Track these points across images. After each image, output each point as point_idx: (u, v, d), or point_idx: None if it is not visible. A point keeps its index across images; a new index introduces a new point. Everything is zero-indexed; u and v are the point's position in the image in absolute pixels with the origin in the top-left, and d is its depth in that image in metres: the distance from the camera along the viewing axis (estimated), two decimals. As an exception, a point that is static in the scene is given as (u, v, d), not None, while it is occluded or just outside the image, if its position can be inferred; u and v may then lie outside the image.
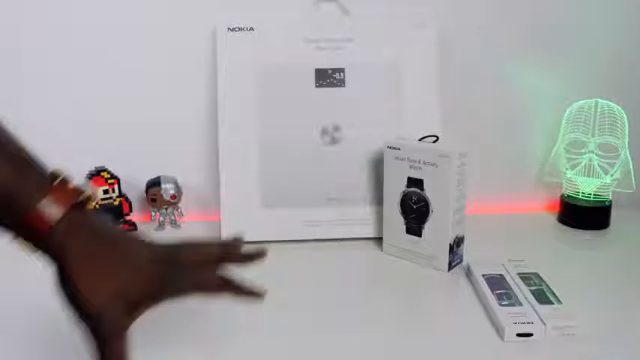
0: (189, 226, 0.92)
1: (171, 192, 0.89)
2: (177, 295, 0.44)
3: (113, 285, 0.40)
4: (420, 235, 0.76)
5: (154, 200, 0.90)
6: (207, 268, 0.46)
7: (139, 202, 0.92)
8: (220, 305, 0.67)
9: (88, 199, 0.42)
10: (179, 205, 0.92)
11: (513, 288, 0.66)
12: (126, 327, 0.41)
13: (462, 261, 0.77)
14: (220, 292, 0.46)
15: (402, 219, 0.78)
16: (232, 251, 0.47)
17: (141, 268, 0.42)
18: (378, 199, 0.83)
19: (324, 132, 0.85)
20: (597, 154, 0.88)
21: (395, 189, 0.78)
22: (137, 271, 0.42)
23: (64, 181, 0.41)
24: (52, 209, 0.40)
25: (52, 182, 0.41)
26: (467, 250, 0.77)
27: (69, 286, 0.40)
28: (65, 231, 0.40)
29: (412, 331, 0.60)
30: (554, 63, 0.94)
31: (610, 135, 0.87)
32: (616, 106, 0.88)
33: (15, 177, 0.40)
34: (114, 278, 0.41)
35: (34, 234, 0.40)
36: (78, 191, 0.41)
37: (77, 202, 0.41)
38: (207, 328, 0.62)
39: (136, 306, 0.41)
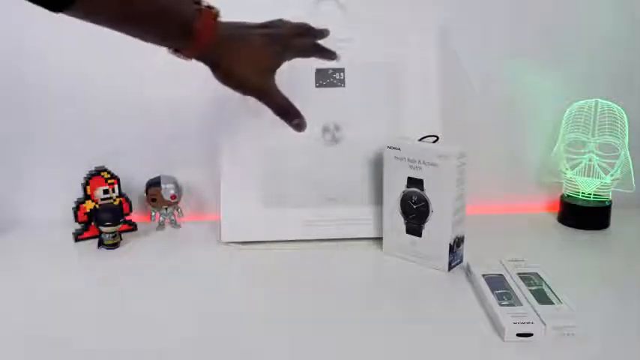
0: (189, 226, 0.92)
1: (172, 192, 0.89)
2: (289, 58, 0.66)
3: (254, 69, 0.62)
4: (420, 235, 0.76)
5: (154, 200, 0.90)
6: (302, 38, 0.68)
7: (139, 202, 0.92)
8: (221, 306, 0.67)
9: (219, 14, 0.60)
10: (179, 205, 0.92)
11: (513, 288, 0.66)
12: (274, 87, 0.64)
13: (462, 261, 0.77)
14: (312, 53, 0.70)
15: (402, 219, 0.78)
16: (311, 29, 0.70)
17: (264, 54, 0.63)
18: (378, 199, 0.83)
19: (324, 132, 0.85)
20: (597, 154, 0.88)
21: (395, 189, 0.78)
22: (263, 55, 0.63)
23: (204, 6, 0.59)
24: (204, 30, 0.57)
25: (199, 7, 0.58)
26: (467, 250, 0.77)
27: (227, 77, 0.61)
28: (214, 44, 0.58)
29: (412, 331, 0.60)
30: (555, 63, 0.94)
31: (610, 135, 0.87)
32: (616, 106, 0.88)
33: (175, 5, 0.56)
34: (254, 64, 0.61)
35: (193, 46, 0.58)
36: (213, 9, 0.59)
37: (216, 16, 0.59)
38: (209, 327, 0.62)
39: (271, 74, 0.63)
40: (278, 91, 0.63)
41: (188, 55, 0.59)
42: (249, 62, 0.61)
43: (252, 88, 0.62)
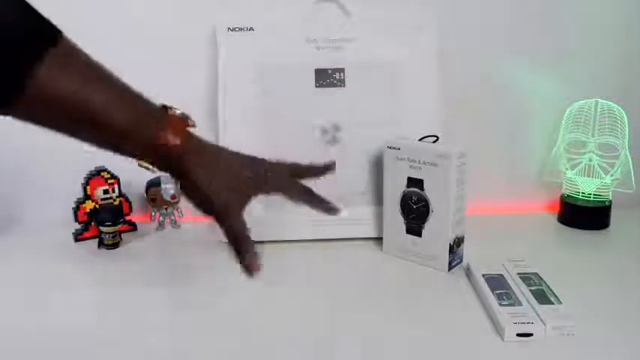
0: (189, 226, 0.92)
1: (171, 192, 0.89)
2: (266, 194, 0.58)
3: (224, 188, 0.54)
4: (420, 235, 0.76)
5: (154, 200, 0.90)
6: (288, 179, 0.61)
7: (139, 202, 0.92)
8: (221, 306, 0.67)
9: (192, 123, 0.54)
10: (179, 205, 0.92)
11: (513, 288, 0.66)
12: (239, 212, 0.55)
13: (461, 261, 0.77)
14: (301, 200, 0.62)
15: (402, 219, 0.78)
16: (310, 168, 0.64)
17: (239, 175, 0.56)
18: (378, 199, 0.83)
19: (324, 132, 0.85)
20: (597, 154, 0.88)
21: (395, 189, 0.78)
22: (237, 176, 0.56)
23: (173, 111, 0.52)
24: (171, 136, 0.50)
25: (166, 113, 0.52)
26: (467, 250, 0.77)
27: (193, 191, 0.53)
28: (183, 152, 0.51)
29: (412, 332, 0.60)
30: (555, 63, 0.94)
31: (610, 135, 0.87)
32: (616, 106, 0.88)
33: (136, 113, 0.49)
34: (223, 184, 0.54)
35: (159, 157, 0.51)
36: (185, 118, 0.53)
37: (187, 127, 0.52)
38: (209, 327, 0.62)
39: (241, 199, 0.56)
40: (242, 219, 0.54)
41: (157, 166, 0.52)
42: (221, 184, 0.54)
43: (216, 208, 0.54)
